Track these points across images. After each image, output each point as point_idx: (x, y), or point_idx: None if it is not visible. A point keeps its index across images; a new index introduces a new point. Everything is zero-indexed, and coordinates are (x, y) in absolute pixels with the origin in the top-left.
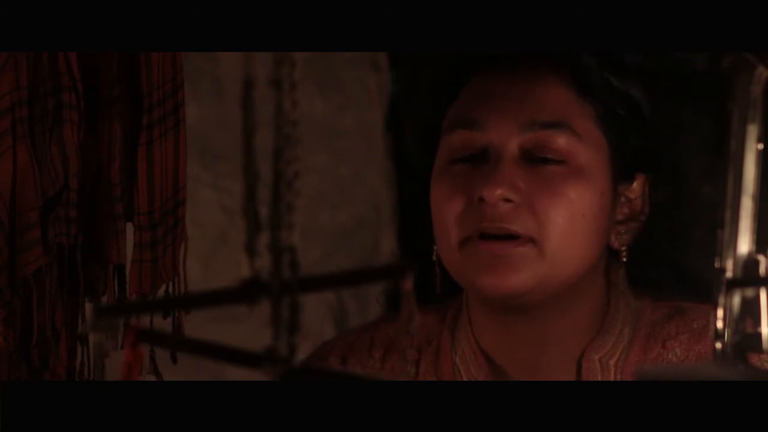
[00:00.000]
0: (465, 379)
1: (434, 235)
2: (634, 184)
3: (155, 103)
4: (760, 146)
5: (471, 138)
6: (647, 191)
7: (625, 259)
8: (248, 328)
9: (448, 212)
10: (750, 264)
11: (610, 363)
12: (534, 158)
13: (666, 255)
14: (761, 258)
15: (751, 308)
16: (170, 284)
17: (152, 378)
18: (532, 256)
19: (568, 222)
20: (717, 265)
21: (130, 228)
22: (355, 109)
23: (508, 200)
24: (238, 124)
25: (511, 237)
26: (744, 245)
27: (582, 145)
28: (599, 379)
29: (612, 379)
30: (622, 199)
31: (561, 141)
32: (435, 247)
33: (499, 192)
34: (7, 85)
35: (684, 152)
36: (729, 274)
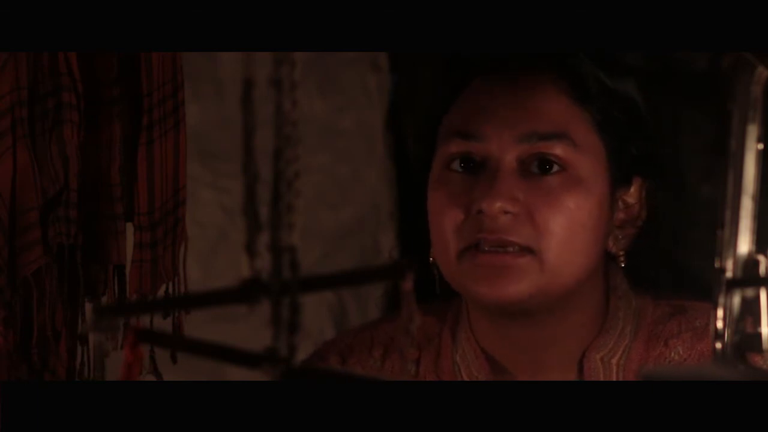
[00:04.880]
0: (465, 378)
1: (432, 241)
2: (632, 189)
3: (155, 103)
4: (760, 146)
5: (468, 148)
6: (645, 196)
7: (623, 264)
8: (248, 328)
9: (446, 223)
10: (750, 264)
11: (612, 362)
12: (532, 169)
13: (666, 255)
14: (761, 258)
15: (751, 308)
16: (170, 284)
17: (152, 378)
18: (531, 267)
19: (567, 232)
20: (717, 265)
21: (130, 228)
22: (355, 109)
23: (507, 212)
24: (238, 124)
25: (510, 248)
26: (744, 245)
27: (580, 154)
28: (601, 378)
29: (614, 378)
30: (620, 204)
31: (559, 150)
32: (432, 251)
33: (498, 205)
34: (7, 85)
35: (684, 152)
36: (729, 274)
